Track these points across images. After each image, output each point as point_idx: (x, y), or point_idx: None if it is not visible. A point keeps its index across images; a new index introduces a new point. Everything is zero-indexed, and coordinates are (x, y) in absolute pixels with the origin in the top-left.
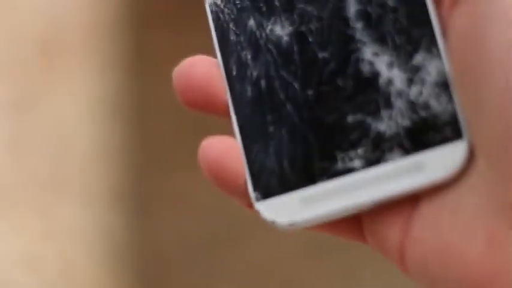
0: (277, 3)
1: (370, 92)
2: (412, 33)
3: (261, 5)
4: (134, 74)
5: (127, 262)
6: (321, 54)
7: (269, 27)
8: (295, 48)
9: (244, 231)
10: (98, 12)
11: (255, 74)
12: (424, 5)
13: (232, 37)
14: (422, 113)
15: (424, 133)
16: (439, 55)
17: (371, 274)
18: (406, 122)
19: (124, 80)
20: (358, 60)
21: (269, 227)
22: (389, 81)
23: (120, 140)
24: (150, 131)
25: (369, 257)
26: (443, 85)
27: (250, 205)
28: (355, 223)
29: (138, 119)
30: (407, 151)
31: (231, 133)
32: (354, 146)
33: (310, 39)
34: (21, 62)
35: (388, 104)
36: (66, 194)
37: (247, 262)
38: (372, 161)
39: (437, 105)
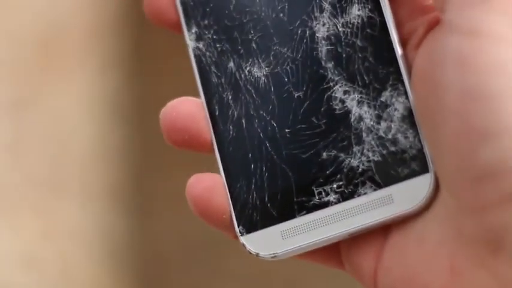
0: (254, 46)
1: (342, 128)
2: (379, 72)
3: (240, 47)
4: (134, 74)
5: (127, 262)
6: (296, 94)
7: (247, 69)
8: (272, 88)
9: None
10: (98, 12)
11: (235, 113)
12: (391, 45)
13: (214, 79)
14: (392, 148)
15: (394, 168)
16: (405, 92)
17: None
18: (376, 157)
19: (124, 80)
20: (331, 99)
21: None
22: (360, 118)
23: (120, 140)
24: (150, 131)
25: None
26: (410, 121)
27: (236, 237)
28: (334, 252)
29: (138, 119)
30: (378, 185)
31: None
32: (329, 181)
33: (285, 79)
34: (21, 62)
35: (360, 140)
36: (66, 194)
37: (251, 261)
38: (346, 195)
39: (405, 141)
